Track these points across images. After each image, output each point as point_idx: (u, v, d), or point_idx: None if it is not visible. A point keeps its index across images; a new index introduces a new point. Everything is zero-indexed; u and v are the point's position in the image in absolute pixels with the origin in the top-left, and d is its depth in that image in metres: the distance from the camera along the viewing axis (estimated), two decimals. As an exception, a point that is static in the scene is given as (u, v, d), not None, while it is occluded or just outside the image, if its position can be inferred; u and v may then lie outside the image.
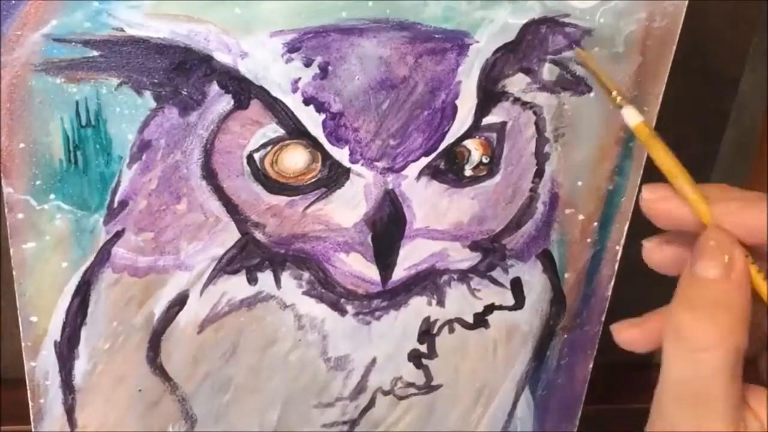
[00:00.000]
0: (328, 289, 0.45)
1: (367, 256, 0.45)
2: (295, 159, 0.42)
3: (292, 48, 0.39)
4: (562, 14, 0.41)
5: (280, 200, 0.43)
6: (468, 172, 0.44)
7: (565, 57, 0.42)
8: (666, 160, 0.35)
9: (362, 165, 0.42)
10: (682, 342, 0.32)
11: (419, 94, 0.41)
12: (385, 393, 0.49)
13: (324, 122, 0.41)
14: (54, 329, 0.44)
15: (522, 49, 0.41)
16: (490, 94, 0.42)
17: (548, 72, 0.42)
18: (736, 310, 0.32)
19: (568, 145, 0.44)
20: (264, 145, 0.41)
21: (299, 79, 0.40)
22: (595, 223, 0.47)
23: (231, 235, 0.43)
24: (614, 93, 0.38)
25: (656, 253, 0.36)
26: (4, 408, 0.55)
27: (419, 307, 0.47)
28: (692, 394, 0.32)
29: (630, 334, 0.36)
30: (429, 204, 0.44)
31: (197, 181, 0.42)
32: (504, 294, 0.48)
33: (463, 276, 0.47)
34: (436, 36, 0.40)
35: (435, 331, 0.48)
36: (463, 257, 0.46)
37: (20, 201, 0.40)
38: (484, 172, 0.44)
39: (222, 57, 0.39)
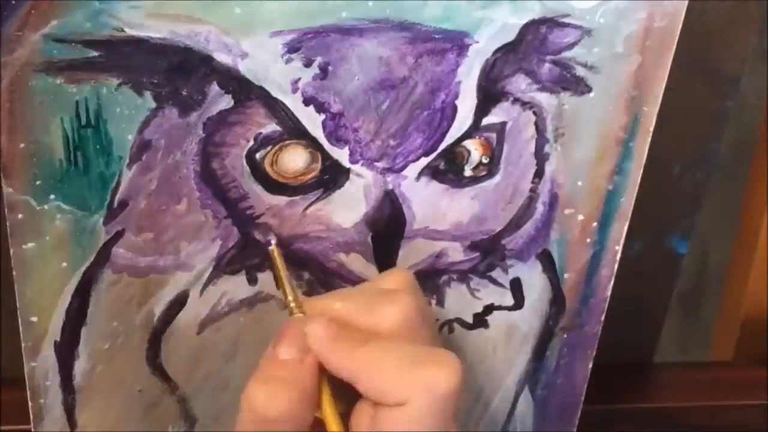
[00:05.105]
0: (328, 290, 0.45)
1: (367, 257, 0.45)
2: (294, 159, 0.42)
3: (292, 48, 0.39)
4: (562, 14, 0.41)
5: (280, 200, 0.43)
6: (468, 173, 0.44)
7: (565, 57, 0.42)
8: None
9: (362, 165, 0.42)
10: (254, 413, 0.36)
11: (419, 95, 0.41)
12: (385, 393, 0.49)
13: (324, 122, 0.41)
14: (54, 329, 0.44)
15: (522, 49, 0.41)
16: (490, 95, 0.42)
17: (548, 72, 0.42)
18: (305, 389, 0.37)
19: (567, 145, 0.44)
20: (264, 146, 0.41)
21: (299, 79, 0.40)
22: (595, 224, 0.47)
23: (231, 235, 0.43)
24: (290, 299, 0.40)
25: None
26: (4, 408, 0.55)
27: (419, 307, 0.47)
28: None
29: None
30: (429, 204, 0.44)
31: (197, 182, 0.42)
32: (504, 294, 0.48)
33: (463, 276, 0.47)
34: (436, 36, 0.40)
35: (435, 331, 0.48)
36: (462, 257, 0.46)
37: (20, 201, 0.40)
38: (484, 173, 0.44)
39: (222, 57, 0.39)
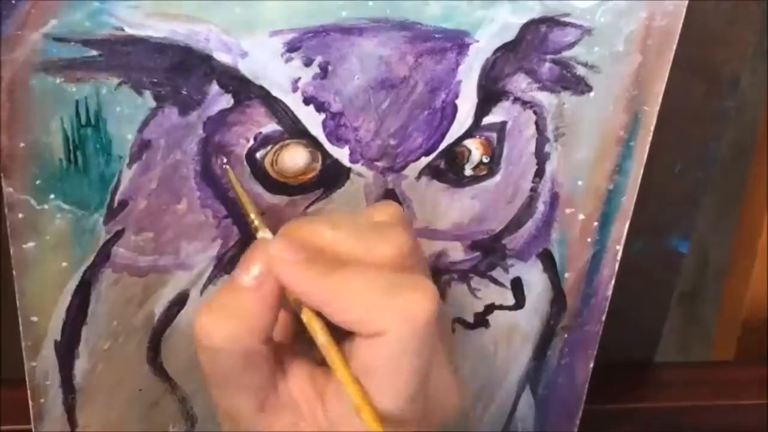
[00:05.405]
0: (328, 289, 0.45)
1: (368, 256, 0.45)
2: (295, 159, 0.42)
3: (292, 47, 0.39)
4: (562, 13, 0.41)
5: (281, 200, 0.43)
6: (468, 172, 0.44)
7: (565, 56, 0.42)
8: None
9: (362, 165, 0.42)
10: (198, 341, 0.35)
11: (419, 94, 0.41)
12: (386, 393, 0.49)
13: (324, 122, 0.41)
14: (54, 329, 0.44)
15: (522, 48, 0.41)
16: (490, 94, 0.42)
17: (548, 71, 0.42)
18: (253, 319, 0.34)
19: (568, 144, 0.44)
20: (264, 145, 0.41)
21: (299, 78, 0.40)
22: (596, 223, 0.47)
23: (231, 235, 0.43)
24: (252, 216, 0.38)
25: None
26: (4, 408, 0.54)
27: (419, 306, 0.47)
28: (215, 382, 0.36)
29: None
30: (429, 204, 0.44)
31: (197, 181, 0.42)
32: (504, 293, 0.48)
33: (464, 276, 0.47)
34: (436, 36, 0.40)
35: (435, 330, 0.48)
36: (463, 257, 0.46)
37: (20, 201, 0.40)
38: (485, 172, 0.44)
39: (222, 57, 0.39)
